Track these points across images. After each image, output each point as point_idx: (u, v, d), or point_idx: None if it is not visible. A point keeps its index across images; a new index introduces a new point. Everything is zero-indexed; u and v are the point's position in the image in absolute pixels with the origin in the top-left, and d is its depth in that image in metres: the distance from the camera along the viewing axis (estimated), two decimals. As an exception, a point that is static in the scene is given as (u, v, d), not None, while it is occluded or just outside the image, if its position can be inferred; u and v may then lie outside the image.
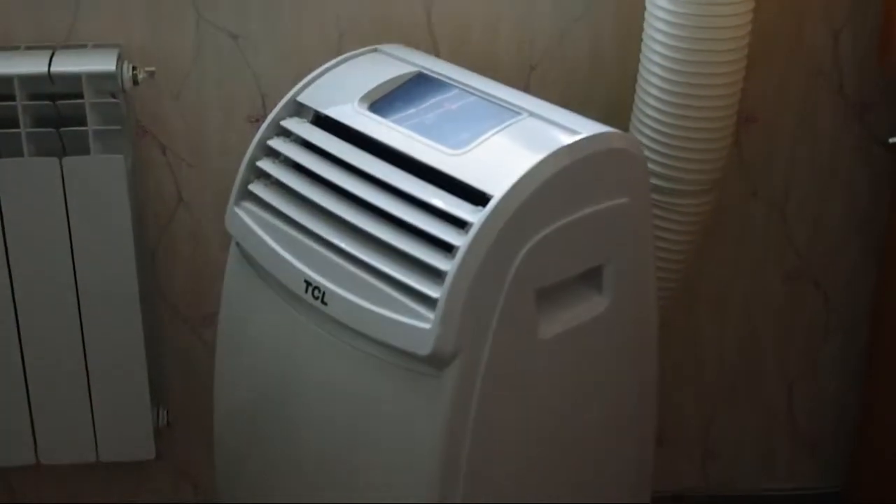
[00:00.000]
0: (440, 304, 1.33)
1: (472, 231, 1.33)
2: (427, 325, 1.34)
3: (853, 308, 1.97)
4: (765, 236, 1.92)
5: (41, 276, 1.71)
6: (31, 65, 1.64)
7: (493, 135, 1.43)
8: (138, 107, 1.76)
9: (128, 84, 1.65)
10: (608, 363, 1.50)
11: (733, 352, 2.00)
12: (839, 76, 1.83)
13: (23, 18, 1.71)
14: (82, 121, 1.64)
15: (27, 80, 1.63)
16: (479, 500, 1.42)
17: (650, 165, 1.60)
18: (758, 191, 1.89)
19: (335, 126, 1.51)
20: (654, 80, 1.63)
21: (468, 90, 1.53)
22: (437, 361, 1.35)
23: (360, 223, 1.42)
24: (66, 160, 1.66)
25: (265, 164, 1.53)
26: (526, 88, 1.76)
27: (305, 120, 1.54)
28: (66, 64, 1.64)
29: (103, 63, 1.65)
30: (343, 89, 1.55)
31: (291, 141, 1.53)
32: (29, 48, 1.69)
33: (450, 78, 1.55)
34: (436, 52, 1.76)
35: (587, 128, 1.42)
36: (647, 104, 1.65)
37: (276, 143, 1.53)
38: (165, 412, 1.87)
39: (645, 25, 1.65)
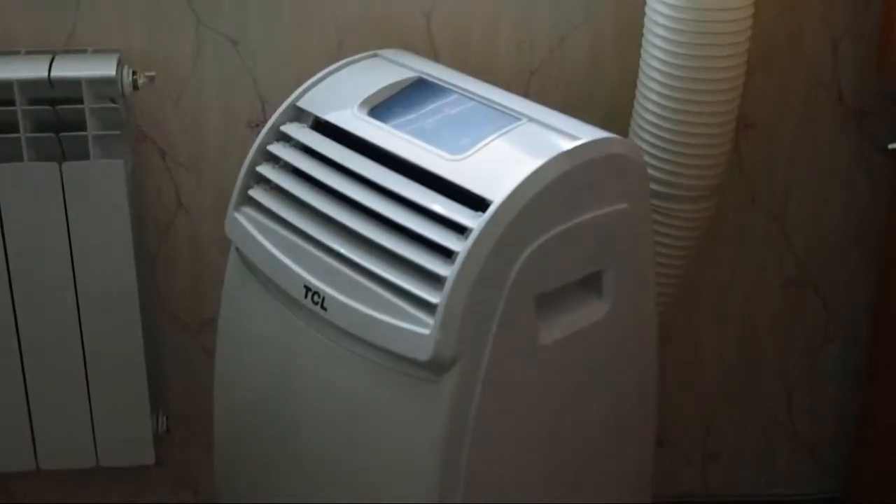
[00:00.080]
0: (440, 310, 1.33)
1: (472, 236, 1.33)
2: (427, 331, 1.34)
3: (852, 312, 1.97)
4: (764, 242, 1.92)
5: (41, 281, 1.71)
6: (31, 69, 1.64)
7: (493, 140, 1.43)
8: (138, 112, 1.76)
9: (128, 89, 1.66)
10: (608, 368, 1.50)
11: (733, 355, 2.00)
12: (838, 83, 1.83)
13: (23, 23, 1.71)
14: (82, 126, 1.64)
15: (27, 84, 1.63)
16: (478, 506, 1.42)
17: (650, 171, 1.60)
18: (757, 197, 1.89)
19: (335, 131, 1.51)
20: (653, 85, 1.64)
21: (468, 95, 1.53)
22: (436, 367, 1.35)
23: (359, 228, 1.42)
24: (66, 165, 1.66)
25: (265, 170, 1.53)
26: (526, 94, 1.76)
27: (305, 125, 1.55)
28: (66, 69, 1.64)
29: (103, 68, 1.65)
30: (343, 94, 1.55)
31: (291, 146, 1.53)
32: (29, 53, 1.69)
33: (449, 83, 1.56)
34: (436, 57, 1.76)
35: (587, 133, 1.42)
36: (647, 110, 1.65)
37: (276, 149, 1.53)
38: (165, 417, 1.87)
39: (644, 31, 1.65)
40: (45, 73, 1.63)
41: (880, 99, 1.83)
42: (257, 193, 1.53)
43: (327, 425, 1.49)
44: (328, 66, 1.60)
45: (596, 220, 1.41)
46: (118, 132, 1.66)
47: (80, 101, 1.63)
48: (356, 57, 1.62)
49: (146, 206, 1.81)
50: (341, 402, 1.47)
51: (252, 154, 1.54)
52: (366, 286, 1.40)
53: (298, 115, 1.56)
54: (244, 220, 1.54)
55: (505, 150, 1.42)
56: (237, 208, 1.55)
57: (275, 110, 1.56)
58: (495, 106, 1.50)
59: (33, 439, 1.79)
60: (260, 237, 1.51)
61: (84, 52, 1.70)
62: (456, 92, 1.54)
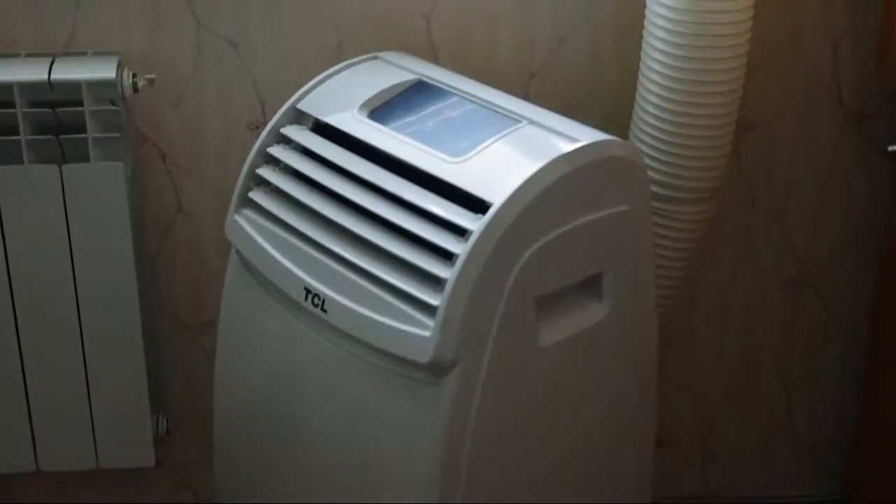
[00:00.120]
0: (440, 312, 1.33)
1: (472, 239, 1.33)
2: (427, 333, 1.34)
3: (852, 313, 1.98)
4: (764, 242, 1.92)
5: (41, 283, 1.71)
6: (31, 72, 1.64)
7: (493, 142, 1.43)
8: (138, 114, 1.76)
9: (128, 91, 1.66)
10: (608, 370, 1.50)
11: (733, 357, 2.00)
12: (838, 84, 1.83)
13: (23, 25, 1.71)
14: (82, 128, 1.65)
15: (27, 87, 1.63)
16: (478, 508, 1.42)
17: (650, 173, 1.61)
18: (757, 198, 1.89)
19: (335, 134, 1.51)
20: (653, 87, 1.64)
21: (468, 98, 1.53)
22: (436, 369, 1.35)
23: (359, 231, 1.42)
24: (66, 167, 1.66)
25: (265, 172, 1.53)
26: (525, 96, 1.76)
27: (305, 127, 1.55)
28: (66, 71, 1.64)
29: (103, 70, 1.65)
30: (343, 97, 1.55)
31: (291, 148, 1.53)
32: (29, 55, 1.70)
33: (449, 85, 1.56)
34: (435, 59, 1.76)
35: (587, 135, 1.42)
36: (647, 112, 1.66)
37: (276, 151, 1.53)
38: (165, 419, 1.87)
39: (644, 34, 1.65)
40: (46, 76, 1.63)
41: (880, 100, 1.84)
42: (257, 196, 1.53)
43: (327, 427, 1.49)
44: (328, 68, 1.60)
45: (596, 222, 1.41)
46: (118, 135, 1.66)
47: (81, 103, 1.63)
48: (356, 59, 1.62)
49: (146, 209, 1.81)
50: (341, 404, 1.47)
51: (252, 156, 1.54)
52: (366, 288, 1.40)
53: (298, 117, 1.56)
54: (244, 223, 1.54)
55: (505, 153, 1.42)
56: (237, 210, 1.55)
57: (275, 113, 1.56)
58: (495, 108, 1.50)
59: (33, 441, 1.79)
60: (260, 239, 1.51)
61: (84, 54, 1.70)
62: (456, 94, 1.54)
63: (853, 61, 1.81)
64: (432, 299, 1.34)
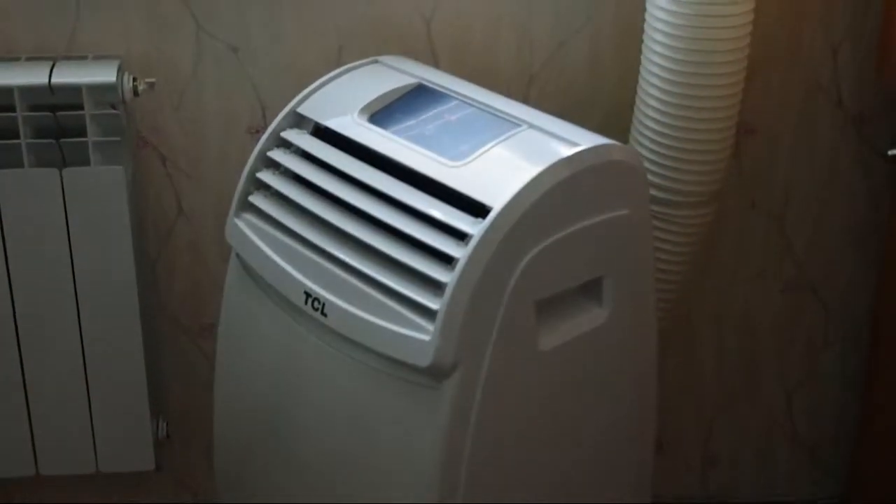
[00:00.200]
0: (440, 316, 1.33)
1: (472, 243, 1.33)
2: (427, 337, 1.34)
3: (852, 317, 1.98)
4: (764, 247, 1.93)
5: (41, 287, 1.71)
6: (31, 76, 1.64)
7: (493, 146, 1.43)
8: (138, 118, 1.76)
9: (128, 95, 1.66)
10: (608, 374, 1.50)
11: (733, 359, 2.00)
12: (838, 88, 1.83)
13: (23, 29, 1.71)
14: (82, 132, 1.65)
15: (27, 91, 1.64)
16: (478, 511, 1.42)
17: (650, 177, 1.61)
18: (757, 202, 1.89)
19: (335, 137, 1.51)
20: (653, 91, 1.64)
21: (468, 102, 1.53)
22: (436, 373, 1.35)
23: (360, 234, 1.42)
24: (67, 171, 1.66)
25: (265, 176, 1.53)
26: (525, 100, 1.76)
27: (305, 131, 1.55)
28: (67, 75, 1.65)
29: (104, 74, 1.65)
30: (343, 101, 1.55)
31: (291, 152, 1.53)
32: (29, 59, 1.70)
33: (449, 89, 1.56)
34: (435, 63, 1.76)
35: (587, 139, 1.42)
36: (647, 116, 1.66)
37: (276, 155, 1.53)
38: (165, 423, 1.87)
39: (644, 37, 1.65)
40: (46, 80, 1.64)
41: (880, 102, 1.84)
42: (257, 199, 1.53)
43: (327, 431, 1.49)
44: (328, 72, 1.60)
45: (596, 226, 1.41)
46: (118, 138, 1.66)
47: (81, 107, 1.64)
48: (356, 63, 1.62)
49: (146, 212, 1.82)
50: (341, 408, 1.47)
51: (252, 160, 1.54)
52: (366, 292, 1.40)
53: (299, 121, 1.56)
54: (244, 226, 1.54)
55: (505, 157, 1.42)
56: (237, 214, 1.55)
57: (275, 116, 1.56)
58: (495, 112, 1.50)
59: (33, 445, 1.79)
60: (260, 243, 1.51)
61: (84, 58, 1.70)
62: (456, 98, 1.54)
63: (853, 64, 1.81)
64: (432, 303, 1.34)
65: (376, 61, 1.64)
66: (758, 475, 2.08)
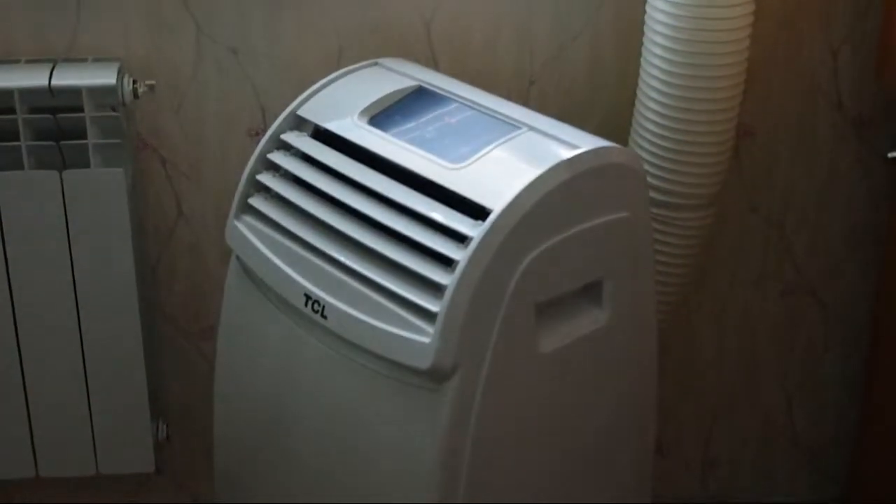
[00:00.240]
0: (440, 319, 1.33)
1: (472, 245, 1.33)
2: (427, 340, 1.34)
3: (852, 320, 1.98)
4: (764, 250, 1.93)
5: (41, 289, 1.71)
6: (31, 78, 1.65)
7: (493, 149, 1.43)
8: (138, 120, 1.76)
9: (128, 97, 1.66)
10: (608, 377, 1.50)
11: (733, 363, 2.00)
12: (838, 91, 1.83)
13: (24, 32, 1.71)
14: (82, 134, 1.65)
15: (28, 93, 1.64)
16: (478, 514, 1.42)
17: (649, 180, 1.61)
18: (757, 205, 1.89)
19: (335, 140, 1.51)
20: (653, 94, 1.64)
21: (468, 104, 1.53)
22: (436, 375, 1.35)
23: (360, 237, 1.42)
24: (67, 173, 1.66)
25: (265, 178, 1.53)
26: (525, 103, 1.76)
27: (305, 134, 1.55)
28: (67, 77, 1.65)
29: (104, 77, 1.65)
30: (343, 103, 1.55)
31: (291, 155, 1.54)
32: (30, 62, 1.70)
33: (449, 92, 1.56)
34: (435, 65, 1.76)
35: (586, 142, 1.42)
36: (647, 118, 1.66)
37: (277, 157, 1.53)
38: (165, 425, 1.87)
39: (644, 40, 1.65)
40: (46, 82, 1.64)
41: (880, 106, 1.84)
42: (257, 202, 1.53)
43: (327, 433, 1.49)
44: (328, 74, 1.60)
45: (596, 228, 1.41)
46: (118, 140, 1.66)
47: (81, 109, 1.64)
48: (356, 66, 1.63)
49: (147, 214, 1.82)
50: (341, 410, 1.47)
51: (252, 162, 1.54)
52: (366, 295, 1.40)
53: (299, 123, 1.56)
54: (244, 229, 1.54)
55: (505, 159, 1.42)
56: (237, 216, 1.55)
57: (275, 119, 1.56)
58: (495, 115, 1.50)
59: (33, 447, 1.79)
60: (260, 245, 1.51)
61: (84, 60, 1.70)
62: (456, 101, 1.54)
63: (853, 67, 1.82)
64: (432, 306, 1.34)
65: (376, 63, 1.64)
66: (758, 477, 2.08)
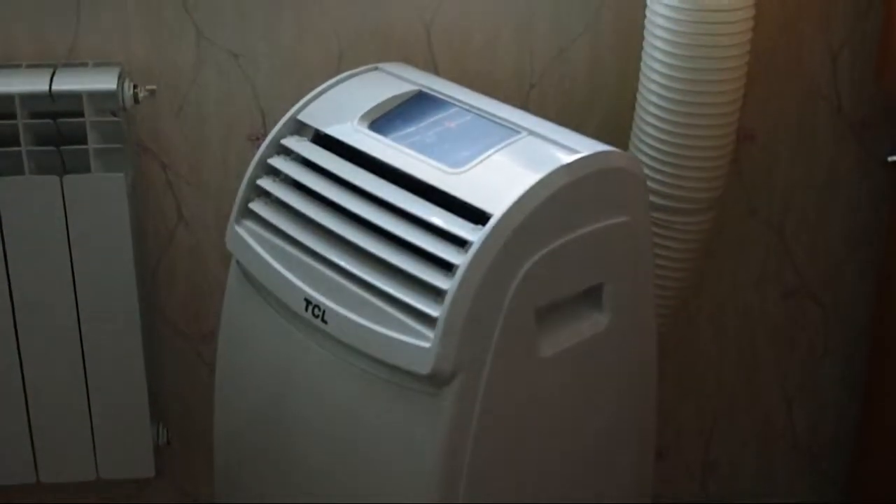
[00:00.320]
0: (440, 323, 1.33)
1: (472, 250, 1.33)
2: (427, 344, 1.34)
3: (852, 322, 1.98)
4: (764, 252, 1.93)
5: (41, 294, 1.71)
6: (32, 83, 1.65)
7: (493, 153, 1.43)
8: (139, 125, 1.76)
9: (129, 102, 1.66)
10: (608, 381, 1.50)
11: (733, 366, 2.00)
12: (837, 95, 1.83)
13: (24, 36, 1.71)
14: (83, 139, 1.65)
15: (28, 98, 1.64)
16: (479, 518, 1.42)
17: (650, 184, 1.61)
18: (757, 208, 1.89)
19: (336, 144, 1.51)
20: (653, 98, 1.64)
21: (468, 108, 1.53)
22: (437, 380, 1.35)
23: (360, 242, 1.42)
24: (67, 178, 1.66)
25: (265, 183, 1.53)
26: (525, 104, 1.77)
27: (306, 138, 1.55)
28: (67, 82, 1.65)
29: (104, 81, 1.65)
30: (343, 108, 1.55)
31: (292, 159, 1.54)
32: (30, 66, 1.70)
33: (450, 96, 1.56)
34: (435, 70, 1.76)
35: (586, 146, 1.42)
36: (647, 122, 1.66)
37: (277, 162, 1.53)
38: (165, 430, 1.87)
39: (644, 44, 1.65)
40: (47, 87, 1.64)
41: (879, 109, 1.84)
42: (258, 206, 1.54)
43: (327, 437, 1.50)
44: (329, 79, 1.60)
45: (596, 232, 1.41)
46: (119, 145, 1.66)
47: (81, 114, 1.64)
48: (356, 70, 1.63)
49: (147, 219, 1.82)
50: (341, 415, 1.47)
51: (253, 167, 1.55)
52: (366, 299, 1.40)
53: (299, 128, 1.56)
54: (245, 233, 1.54)
55: (505, 164, 1.42)
56: (238, 221, 1.55)
57: (275, 123, 1.56)
58: (495, 119, 1.50)
59: (33, 452, 1.79)
60: (260, 250, 1.52)
61: (85, 65, 1.70)
62: (456, 105, 1.54)
63: (852, 71, 1.82)
64: (432, 310, 1.34)
65: (376, 68, 1.64)
66: (758, 479, 2.08)
